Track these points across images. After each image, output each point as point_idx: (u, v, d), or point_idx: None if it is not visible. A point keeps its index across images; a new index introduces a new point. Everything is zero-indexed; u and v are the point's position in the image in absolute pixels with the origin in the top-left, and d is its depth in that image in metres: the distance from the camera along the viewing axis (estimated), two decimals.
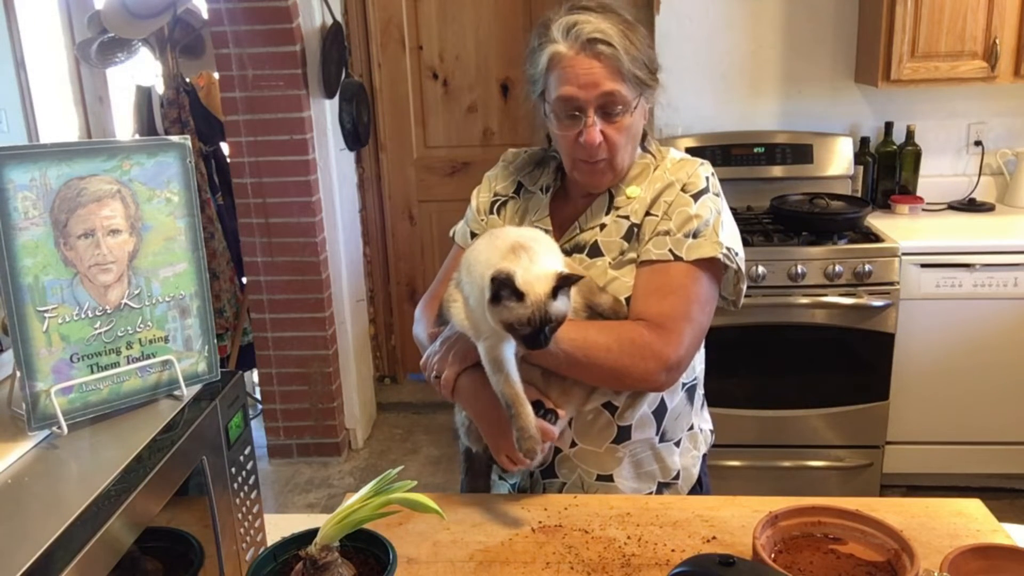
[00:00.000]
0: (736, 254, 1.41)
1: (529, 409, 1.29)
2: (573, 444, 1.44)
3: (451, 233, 1.62)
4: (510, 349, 1.29)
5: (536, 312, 1.19)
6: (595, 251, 1.43)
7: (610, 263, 1.42)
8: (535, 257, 1.22)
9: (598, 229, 1.45)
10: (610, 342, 1.32)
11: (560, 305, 1.21)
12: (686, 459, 1.52)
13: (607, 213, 1.45)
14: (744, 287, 1.47)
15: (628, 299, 1.39)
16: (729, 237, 1.41)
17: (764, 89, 3.42)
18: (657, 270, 1.38)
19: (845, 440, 3.04)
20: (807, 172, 3.31)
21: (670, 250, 1.37)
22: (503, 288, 1.19)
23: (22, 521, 0.81)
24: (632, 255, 1.41)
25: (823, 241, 2.93)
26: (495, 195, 1.56)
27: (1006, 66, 2.99)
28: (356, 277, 3.84)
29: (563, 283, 1.20)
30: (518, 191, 1.55)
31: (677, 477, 1.50)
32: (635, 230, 1.42)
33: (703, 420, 1.58)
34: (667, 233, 1.38)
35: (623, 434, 1.44)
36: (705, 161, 1.46)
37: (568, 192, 1.52)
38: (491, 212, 1.55)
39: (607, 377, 1.37)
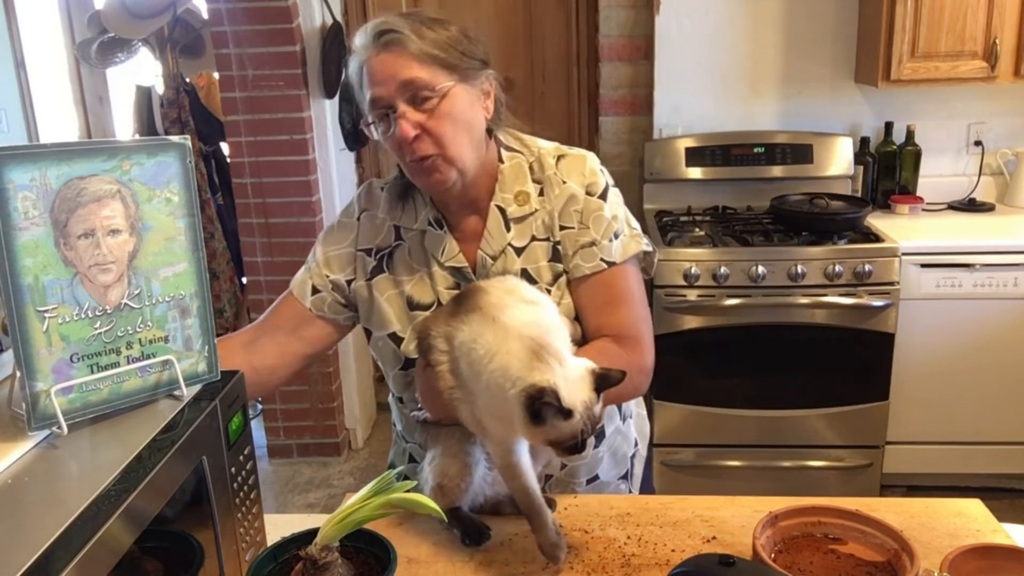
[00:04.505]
0: (645, 233, 1.43)
1: (549, 516, 1.18)
2: (563, 466, 1.46)
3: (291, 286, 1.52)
4: (524, 451, 1.18)
5: (587, 423, 1.06)
6: (527, 279, 1.34)
7: (547, 288, 1.36)
8: (561, 356, 1.08)
9: (514, 254, 1.36)
10: None
11: (600, 404, 1.09)
12: (636, 421, 1.59)
13: (508, 230, 1.36)
14: (656, 259, 1.47)
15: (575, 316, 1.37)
16: (634, 221, 1.42)
17: (764, 89, 3.42)
18: (598, 282, 1.36)
19: (845, 440, 3.04)
20: (807, 172, 3.31)
21: (602, 259, 1.35)
22: (546, 408, 1.04)
23: (22, 521, 0.81)
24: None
25: (823, 241, 2.93)
26: (378, 249, 1.41)
27: (1006, 66, 2.99)
28: None
29: (601, 384, 1.08)
30: (399, 234, 1.41)
31: (636, 444, 1.58)
32: (558, 249, 1.37)
33: None
34: (593, 244, 1.35)
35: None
36: (586, 152, 1.39)
37: (456, 221, 1.39)
38: (381, 270, 1.41)
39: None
